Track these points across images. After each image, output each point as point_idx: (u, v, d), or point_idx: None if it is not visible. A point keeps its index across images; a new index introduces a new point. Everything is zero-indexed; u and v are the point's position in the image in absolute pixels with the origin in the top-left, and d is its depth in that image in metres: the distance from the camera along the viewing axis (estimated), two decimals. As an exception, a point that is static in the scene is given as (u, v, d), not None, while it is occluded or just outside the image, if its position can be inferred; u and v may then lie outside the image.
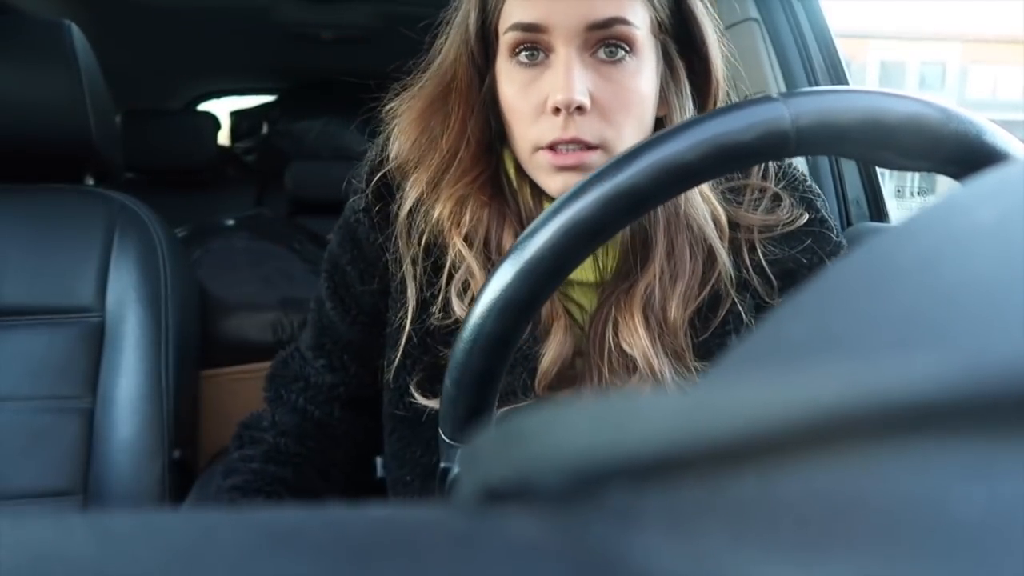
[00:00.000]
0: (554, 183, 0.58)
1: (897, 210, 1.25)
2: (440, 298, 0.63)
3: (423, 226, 0.63)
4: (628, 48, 0.57)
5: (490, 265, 0.61)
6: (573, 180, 0.56)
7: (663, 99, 0.61)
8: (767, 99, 0.38)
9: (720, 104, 0.63)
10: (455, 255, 0.62)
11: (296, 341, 0.81)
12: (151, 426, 1.00)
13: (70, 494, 0.96)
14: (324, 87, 2.43)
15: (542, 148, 0.57)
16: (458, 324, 0.61)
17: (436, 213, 0.62)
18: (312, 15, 1.84)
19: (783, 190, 0.64)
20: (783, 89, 1.13)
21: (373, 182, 0.67)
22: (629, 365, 0.60)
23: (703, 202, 0.61)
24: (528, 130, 0.58)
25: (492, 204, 0.62)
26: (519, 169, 0.63)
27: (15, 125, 1.01)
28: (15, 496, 0.94)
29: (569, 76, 0.54)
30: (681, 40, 0.60)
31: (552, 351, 0.60)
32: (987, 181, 0.16)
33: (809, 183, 0.67)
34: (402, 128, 0.65)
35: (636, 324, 0.59)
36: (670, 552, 0.12)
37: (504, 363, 0.41)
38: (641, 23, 0.57)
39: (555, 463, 0.13)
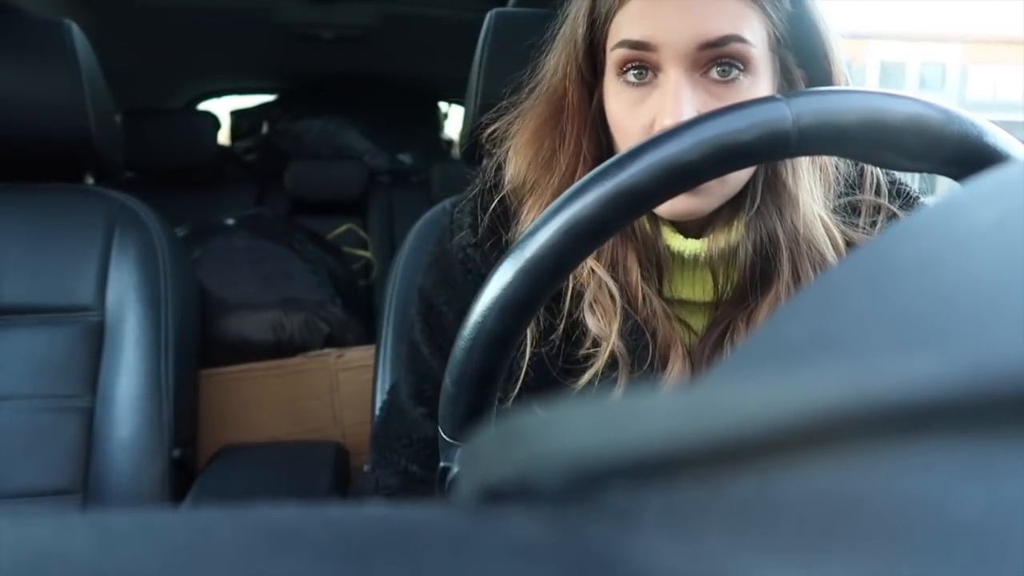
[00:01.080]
0: (678, 203, 0.55)
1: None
2: (562, 324, 0.60)
3: None
4: (742, 67, 0.53)
5: (620, 289, 0.59)
6: (681, 202, 0.55)
7: None
8: (769, 99, 0.38)
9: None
10: (584, 274, 0.59)
11: (391, 395, 0.77)
12: (151, 425, 1.00)
13: (70, 493, 0.96)
14: (324, 87, 2.43)
15: None
16: (579, 351, 0.59)
17: None
18: (312, 15, 1.84)
19: (899, 208, 0.62)
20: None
21: (488, 212, 0.63)
22: None
23: (822, 227, 0.59)
24: None
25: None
26: None
27: (15, 125, 1.01)
28: (15, 495, 0.94)
29: (678, 99, 0.52)
30: (801, 52, 0.57)
31: (674, 380, 0.58)
32: (987, 182, 0.16)
33: (922, 200, 0.65)
34: (516, 150, 0.62)
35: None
36: (670, 552, 0.12)
37: (504, 362, 0.41)
38: (758, 40, 0.54)
39: (555, 463, 0.13)
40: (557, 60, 0.61)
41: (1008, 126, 0.41)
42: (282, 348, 1.45)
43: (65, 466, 0.96)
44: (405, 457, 0.71)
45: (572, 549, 0.13)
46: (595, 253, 0.58)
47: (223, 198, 2.15)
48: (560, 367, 0.61)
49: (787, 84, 0.58)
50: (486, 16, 0.92)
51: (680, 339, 0.60)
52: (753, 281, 0.59)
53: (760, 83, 0.55)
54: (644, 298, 0.59)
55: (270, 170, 2.34)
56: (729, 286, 0.61)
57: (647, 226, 0.61)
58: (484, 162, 0.68)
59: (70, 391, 0.98)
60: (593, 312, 0.58)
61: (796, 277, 0.58)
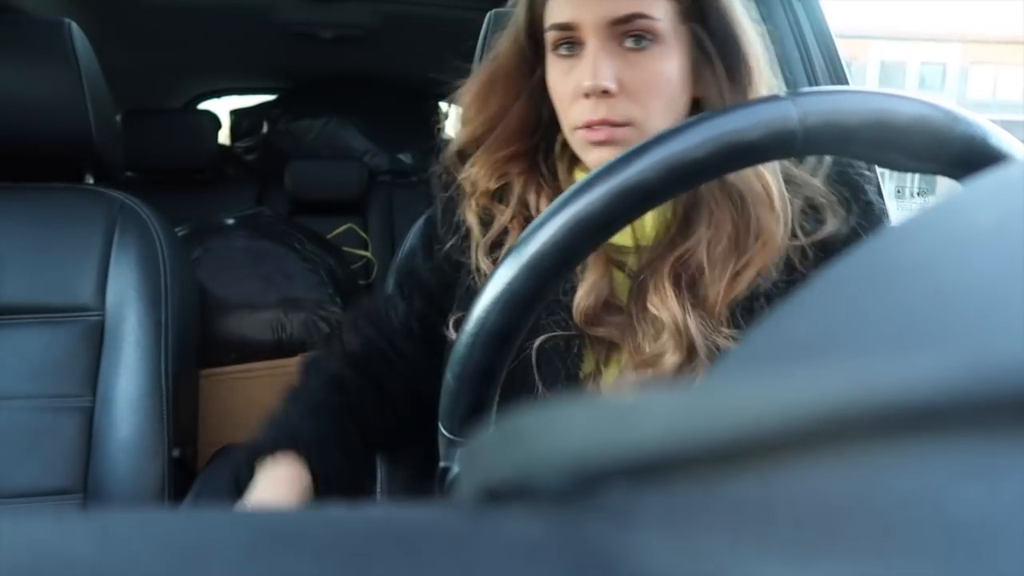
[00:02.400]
0: (590, 157, 0.66)
1: (897, 210, 1.25)
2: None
3: (470, 189, 0.73)
4: (652, 37, 0.63)
5: (525, 224, 0.68)
6: (606, 153, 0.64)
7: (698, 81, 0.67)
8: (775, 97, 0.38)
9: (767, 90, 0.67)
10: (482, 213, 0.71)
11: (373, 299, 0.87)
12: (151, 425, 1.00)
13: (70, 493, 0.96)
14: (324, 87, 2.43)
15: (579, 128, 0.65)
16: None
17: (474, 175, 0.72)
18: (312, 15, 1.84)
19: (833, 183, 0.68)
20: (784, 90, 1.12)
21: (442, 171, 0.77)
22: (658, 328, 0.65)
23: (758, 182, 0.65)
24: (568, 112, 0.66)
25: (528, 174, 0.72)
26: (563, 147, 0.72)
27: (15, 125, 1.01)
28: (15, 495, 0.94)
29: (596, 65, 0.62)
30: (710, 26, 0.65)
31: (588, 283, 0.66)
32: (987, 182, 0.16)
33: (861, 170, 0.71)
34: (463, 110, 0.75)
35: (667, 288, 0.65)
36: (669, 552, 0.12)
37: (506, 359, 0.41)
38: (663, 15, 0.63)
39: (555, 463, 0.13)
40: (503, 39, 0.72)
41: (1008, 126, 0.41)
42: (282, 348, 1.45)
43: (65, 466, 0.96)
44: (373, 327, 0.80)
45: (572, 549, 0.13)
46: (494, 194, 0.72)
47: (223, 198, 2.15)
48: None
49: (702, 55, 0.66)
50: (486, 16, 0.92)
51: (605, 261, 0.69)
52: (678, 226, 0.68)
53: (670, 51, 0.65)
54: None
55: (270, 170, 2.34)
56: (654, 231, 0.69)
57: (565, 173, 0.72)
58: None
59: (70, 391, 0.98)
60: (487, 255, 0.70)
61: (715, 222, 0.65)
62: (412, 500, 0.15)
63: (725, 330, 0.65)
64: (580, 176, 0.70)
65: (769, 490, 0.11)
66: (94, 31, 1.16)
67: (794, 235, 0.66)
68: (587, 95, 0.63)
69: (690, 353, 0.64)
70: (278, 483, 0.65)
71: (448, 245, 0.76)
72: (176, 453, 1.03)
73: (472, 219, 0.72)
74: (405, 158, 2.44)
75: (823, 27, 1.14)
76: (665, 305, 0.64)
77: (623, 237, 0.69)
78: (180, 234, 1.37)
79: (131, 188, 1.14)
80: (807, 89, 0.40)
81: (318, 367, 0.79)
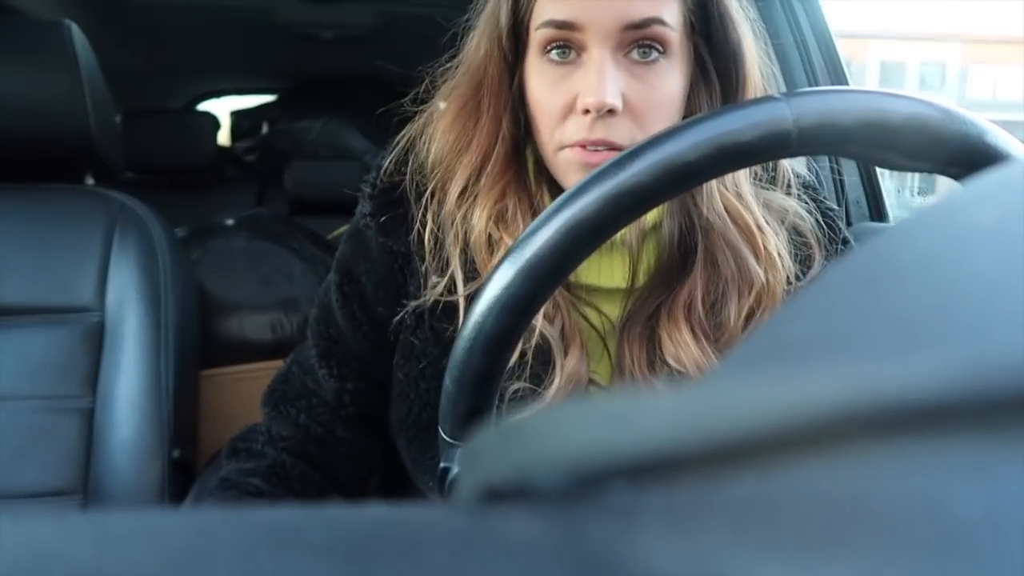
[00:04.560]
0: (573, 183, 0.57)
1: (897, 210, 1.26)
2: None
3: (463, 231, 0.61)
4: (662, 49, 0.55)
5: None
6: None
7: (691, 101, 0.60)
8: (769, 99, 0.38)
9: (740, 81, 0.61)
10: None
11: (295, 354, 0.77)
12: (151, 426, 1.00)
13: (70, 494, 0.96)
14: (324, 87, 2.43)
15: (570, 146, 0.56)
16: None
17: (476, 216, 0.60)
18: (313, 15, 1.84)
19: (805, 205, 0.64)
20: (783, 90, 1.12)
21: (384, 186, 0.65)
22: (675, 376, 0.58)
23: (744, 214, 0.60)
24: (555, 129, 0.57)
25: (528, 204, 0.61)
26: (538, 169, 0.62)
27: (15, 125, 1.01)
28: (15, 496, 0.94)
29: (602, 77, 0.53)
30: (714, 43, 0.58)
31: (565, 374, 0.58)
32: (986, 181, 0.16)
33: (827, 202, 0.68)
34: (441, 130, 0.63)
35: (683, 334, 0.58)
36: (670, 552, 0.12)
37: (505, 362, 0.41)
38: (676, 23, 0.55)
39: (555, 463, 0.13)
40: (479, 39, 0.61)
41: (1008, 126, 0.41)
42: (282, 348, 1.45)
43: (65, 467, 0.96)
44: (305, 414, 0.71)
45: (572, 549, 0.13)
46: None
47: (223, 198, 2.15)
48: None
49: (700, 72, 0.59)
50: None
51: (580, 329, 0.60)
52: (673, 265, 0.60)
53: (676, 67, 0.56)
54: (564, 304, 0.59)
55: (270, 170, 2.34)
56: (643, 272, 0.61)
57: (547, 204, 0.62)
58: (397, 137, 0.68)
59: (70, 392, 0.98)
60: None
61: (713, 263, 0.59)
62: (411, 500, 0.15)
63: None
64: None
65: (770, 490, 0.11)
66: (94, 31, 1.16)
67: (797, 276, 0.61)
68: (586, 112, 0.54)
69: None
70: None
71: (392, 292, 0.65)
72: (176, 454, 1.03)
73: (457, 269, 0.60)
74: (405, 158, 2.44)
75: (823, 27, 1.14)
76: (685, 352, 0.58)
77: (612, 278, 0.61)
78: (180, 235, 1.37)
79: (131, 189, 1.14)
80: (801, 90, 0.40)
81: (250, 453, 0.70)
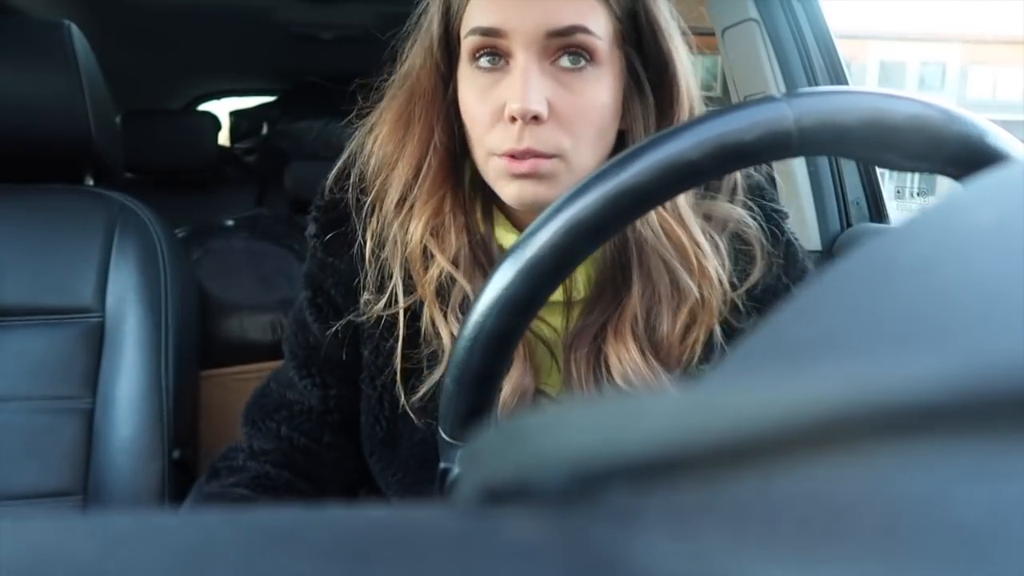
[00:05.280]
0: (509, 190, 0.57)
1: (897, 211, 1.26)
2: (401, 326, 0.62)
3: (401, 244, 0.61)
4: (589, 57, 0.55)
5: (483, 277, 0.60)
6: (528, 189, 0.56)
7: (626, 113, 0.59)
8: (770, 99, 0.38)
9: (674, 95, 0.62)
10: (441, 273, 0.60)
11: (272, 374, 0.77)
12: (151, 426, 1.00)
13: (70, 494, 0.96)
14: (324, 87, 2.43)
15: (499, 155, 0.56)
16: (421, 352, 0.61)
17: (412, 228, 0.60)
18: (313, 15, 1.84)
19: (750, 211, 0.63)
20: (783, 90, 1.13)
21: (326, 205, 0.67)
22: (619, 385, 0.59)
23: (679, 226, 0.60)
24: (485, 136, 0.56)
25: (465, 217, 0.61)
26: (474, 185, 0.62)
27: (15, 125, 1.01)
28: (15, 497, 0.94)
29: (526, 84, 0.53)
30: (645, 53, 0.58)
31: (512, 382, 0.59)
32: (987, 181, 0.16)
33: (775, 203, 0.66)
34: (379, 142, 0.63)
35: (630, 352, 0.59)
36: (670, 552, 0.12)
37: (505, 362, 0.41)
38: (603, 33, 0.55)
39: (555, 463, 0.13)
40: (415, 50, 0.62)
41: (1008, 126, 0.41)
42: (282, 348, 1.45)
43: (65, 468, 0.96)
44: (286, 425, 0.71)
45: (573, 550, 0.13)
46: (449, 254, 0.60)
47: (223, 199, 2.15)
48: (405, 368, 0.62)
49: (633, 83, 0.59)
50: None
51: (525, 341, 0.60)
52: (612, 280, 0.60)
53: (605, 76, 0.56)
54: None
55: (270, 171, 2.34)
56: (583, 284, 0.62)
57: (480, 226, 0.62)
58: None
59: (70, 392, 0.98)
60: (439, 311, 0.60)
61: (648, 277, 0.59)
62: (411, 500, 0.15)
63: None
64: (501, 225, 0.63)
65: (771, 491, 0.11)
66: (94, 32, 1.16)
67: (732, 285, 0.61)
68: (512, 119, 0.53)
69: None
70: None
71: (349, 310, 0.65)
72: (176, 454, 1.03)
73: (398, 279, 0.61)
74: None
75: (822, 27, 1.14)
76: (628, 361, 0.58)
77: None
78: (180, 235, 1.37)
79: (131, 189, 1.14)
80: (802, 90, 0.40)
81: (231, 469, 0.70)
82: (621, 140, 0.60)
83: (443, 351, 0.60)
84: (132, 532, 0.12)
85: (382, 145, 0.63)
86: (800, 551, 0.10)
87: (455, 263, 0.60)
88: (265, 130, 2.52)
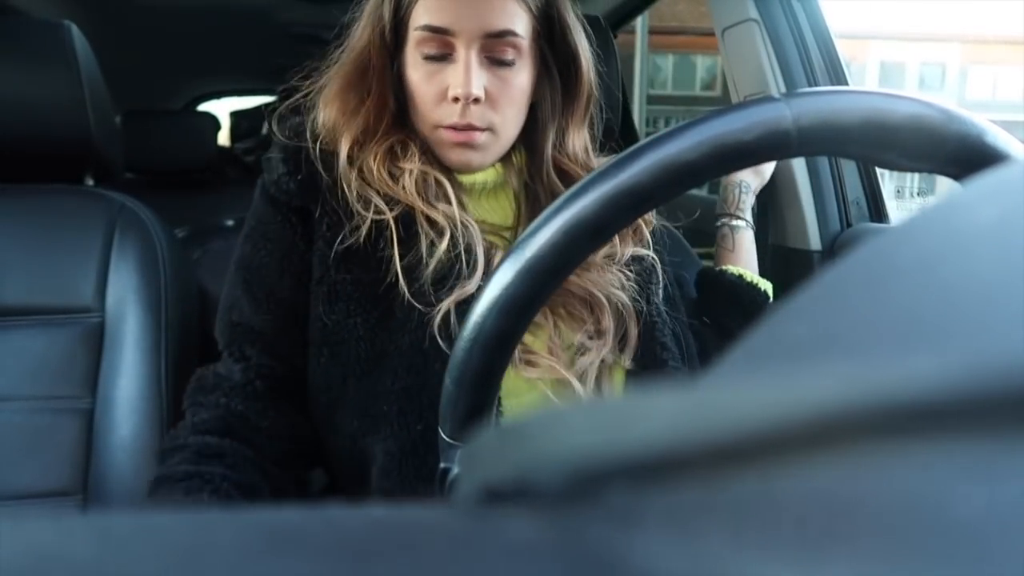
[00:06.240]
0: (452, 155, 0.72)
1: (897, 211, 1.25)
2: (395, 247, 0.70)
3: (365, 176, 0.71)
4: (515, 53, 0.70)
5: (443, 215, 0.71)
6: (467, 154, 0.71)
7: (535, 91, 0.75)
8: (769, 99, 0.38)
9: (592, 102, 0.77)
10: (413, 176, 0.71)
11: (204, 366, 0.80)
12: (151, 426, 1.00)
13: (70, 494, 0.96)
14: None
15: (443, 127, 0.70)
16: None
17: (371, 162, 0.71)
18: (313, 15, 1.84)
19: None
20: (783, 90, 1.13)
21: (297, 154, 0.74)
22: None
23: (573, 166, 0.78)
24: (431, 112, 0.71)
25: (422, 153, 0.73)
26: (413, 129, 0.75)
27: (15, 125, 1.01)
28: (15, 497, 0.94)
29: (469, 75, 0.67)
30: (555, 46, 0.74)
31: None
32: (987, 181, 0.16)
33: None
34: (326, 101, 0.75)
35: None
36: (670, 552, 0.12)
37: (505, 362, 0.41)
38: (526, 33, 0.70)
39: (555, 463, 0.13)
40: (363, 31, 0.74)
41: (1008, 126, 0.41)
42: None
43: (65, 468, 0.96)
44: (223, 396, 0.74)
45: (572, 549, 0.13)
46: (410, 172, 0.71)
47: (223, 199, 2.14)
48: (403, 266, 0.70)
49: (544, 69, 0.75)
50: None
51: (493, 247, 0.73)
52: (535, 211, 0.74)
53: (526, 66, 0.72)
54: (464, 223, 0.71)
55: (270, 171, 2.34)
56: (521, 210, 0.77)
57: (438, 176, 0.73)
58: (286, 122, 0.80)
59: (70, 392, 0.98)
60: (424, 203, 0.70)
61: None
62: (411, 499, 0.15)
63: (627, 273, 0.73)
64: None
65: (771, 491, 0.11)
66: (94, 32, 1.16)
67: None
68: (455, 100, 0.68)
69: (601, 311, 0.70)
70: None
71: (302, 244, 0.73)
72: (176, 454, 1.03)
73: (377, 199, 0.70)
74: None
75: (822, 27, 1.14)
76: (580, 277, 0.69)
77: (494, 215, 0.76)
78: (180, 235, 1.36)
79: (131, 189, 1.14)
80: (801, 90, 0.40)
81: (175, 448, 0.72)
82: (532, 112, 0.76)
83: (444, 229, 0.69)
84: (132, 532, 0.12)
85: (330, 104, 0.74)
86: (800, 551, 0.10)
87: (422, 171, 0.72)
88: (265, 130, 2.52)
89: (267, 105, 2.63)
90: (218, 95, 2.77)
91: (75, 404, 0.98)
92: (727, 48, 1.19)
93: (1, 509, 0.93)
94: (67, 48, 1.01)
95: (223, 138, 2.59)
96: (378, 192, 0.71)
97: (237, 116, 2.73)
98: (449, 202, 0.71)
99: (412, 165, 0.71)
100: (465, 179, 0.76)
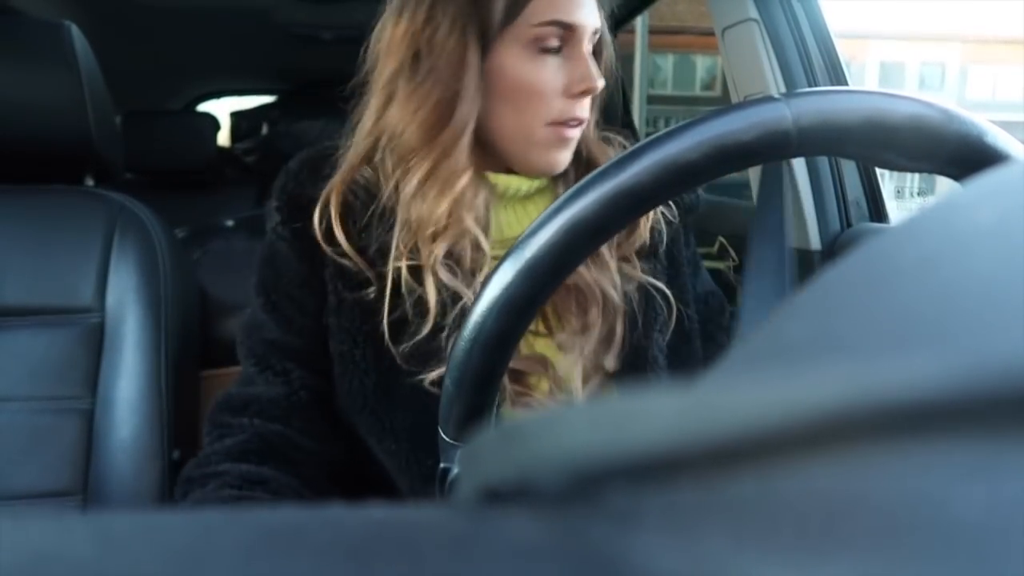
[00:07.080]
0: (550, 156, 0.70)
1: (897, 211, 1.25)
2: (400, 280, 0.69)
3: (416, 217, 0.68)
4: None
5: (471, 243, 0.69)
6: (564, 154, 0.71)
7: None
8: (769, 99, 0.38)
9: (611, 76, 0.76)
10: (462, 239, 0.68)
11: (228, 386, 0.78)
12: (151, 426, 1.00)
13: (70, 494, 0.96)
14: (324, 87, 2.43)
15: (555, 124, 0.69)
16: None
17: (440, 205, 0.67)
18: (312, 16, 1.84)
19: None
20: (783, 90, 1.13)
21: (293, 197, 0.74)
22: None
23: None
24: (543, 107, 0.68)
25: (479, 178, 0.71)
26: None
27: (15, 125, 1.01)
28: (15, 497, 0.94)
29: (592, 67, 0.69)
30: (601, 39, 0.75)
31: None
32: (987, 181, 0.16)
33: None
34: (405, 121, 0.69)
35: None
36: (670, 553, 0.12)
37: (505, 362, 0.41)
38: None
39: (555, 463, 0.13)
40: (447, 32, 0.67)
41: (1008, 126, 0.41)
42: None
43: (65, 468, 0.96)
44: (257, 418, 0.72)
45: (572, 549, 0.13)
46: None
47: (223, 200, 2.15)
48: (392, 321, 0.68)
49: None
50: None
51: None
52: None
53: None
54: (477, 245, 0.69)
55: (270, 171, 2.34)
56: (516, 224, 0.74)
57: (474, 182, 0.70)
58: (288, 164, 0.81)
59: (70, 393, 0.98)
60: (447, 266, 0.68)
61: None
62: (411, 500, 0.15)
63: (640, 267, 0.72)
64: (495, 176, 0.72)
65: (770, 491, 0.11)
66: (94, 32, 1.16)
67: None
68: (583, 93, 0.68)
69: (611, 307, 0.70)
70: None
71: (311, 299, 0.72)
72: (176, 455, 1.03)
73: (399, 243, 0.68)
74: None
75: (822, 27, 1.14)
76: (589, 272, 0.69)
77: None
78: (180, 236, 1.37)
79: (131, 190, 1.14)
80: (800, 90, 0.40)
81: (210, 475, 0.69)
82: None
83: (430, 303, 0.67)
84: (132, 532, 0.12)
85: (411, 123, 0.68)
86: (800, 551, 0.10)
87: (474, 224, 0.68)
88: (265, 130, 2.53)
89: (266, 105, 2.63)
90: (218, 95, 2.77)
91: (75, 404, 0.98)
92: (727, 48, 1.19)
93: (1, 509, 0.93)
94: (67, 48, 1.01)
95: (223, 138, 2.59)
96: (404, 235, 0.68)
97: (237, 116, 2.73)
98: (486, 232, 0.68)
99: (463, 182, 0.67)
100: (511, 184, 0.72)
